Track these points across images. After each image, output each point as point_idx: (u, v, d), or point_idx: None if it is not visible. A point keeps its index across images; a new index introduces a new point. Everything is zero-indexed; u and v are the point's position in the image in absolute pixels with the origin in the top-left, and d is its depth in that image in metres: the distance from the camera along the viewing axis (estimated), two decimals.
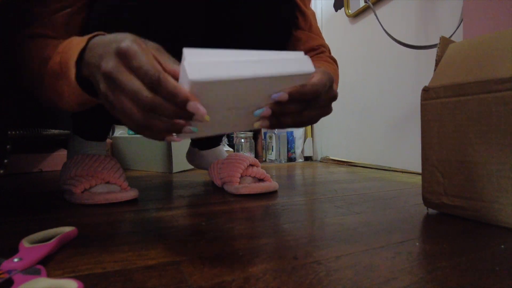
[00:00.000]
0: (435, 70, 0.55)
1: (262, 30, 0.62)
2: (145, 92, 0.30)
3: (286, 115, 0.38)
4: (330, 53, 0.73)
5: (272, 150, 1.68)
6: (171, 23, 0.54)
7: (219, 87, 0.30)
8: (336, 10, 1.61)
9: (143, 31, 0.53)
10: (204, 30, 0.60)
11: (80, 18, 0.51)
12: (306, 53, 0.67)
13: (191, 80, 0.28)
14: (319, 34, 0.72)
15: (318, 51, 0.70)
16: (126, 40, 0.31)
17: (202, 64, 0.29)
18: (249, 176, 0.74)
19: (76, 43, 0.39)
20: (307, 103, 0.38)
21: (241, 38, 0.62)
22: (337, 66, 0.71)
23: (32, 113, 0.46)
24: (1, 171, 0.56)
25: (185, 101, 0.29)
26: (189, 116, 0.31)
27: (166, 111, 0.31)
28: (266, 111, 0.36)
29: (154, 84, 0.30)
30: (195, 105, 0.30)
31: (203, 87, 0.29)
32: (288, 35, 0.66)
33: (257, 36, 0.62)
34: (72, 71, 0.38)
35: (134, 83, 0.31)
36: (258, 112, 0.36)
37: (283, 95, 0.35)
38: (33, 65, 0.45)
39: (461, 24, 0.86)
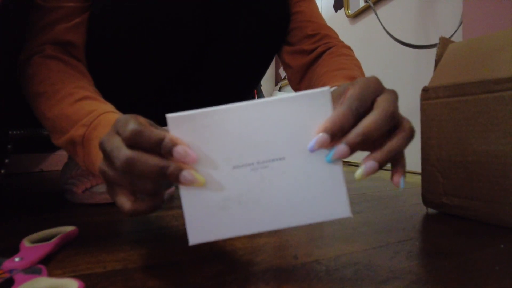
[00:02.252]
0: (434, 70, 0.55)
1: (260, 14, 0.61)
2: (123, 149, 0.25)
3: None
4: (337, 38, 0.65)
5: None
6: (170, 18, 0.54)
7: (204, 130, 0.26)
8: (336, 11, 1.61)
9: (142, 29, 0.54)
10: (204, 26, 0.60)
11: (86, 17, 0.51)
12: (301, 43, 0.63)
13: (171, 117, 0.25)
14: (314, 18, 0.65)
15: (316, 38, 0.63)
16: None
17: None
18: None
19: (103, 131, 0.37)
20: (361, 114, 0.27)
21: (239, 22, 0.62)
22: (352, 52, 0.63)
23: (33, 113, 0.46)
24: (2, 171, 0.56)
25: (171, 146, 0.24)
26: (177, 171, 0.25)
27: (147, 165, 0.25)
28: (339, 150, 0.25)
29: (136, 136, 0.25)
30: (183, 149, 0.24)
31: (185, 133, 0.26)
32: (287, 22, 0.64)
33: (256, 21, 0.62)
34: (97, 164, 0.36)
35: (114, 142, 0.26)
36: (330, 155, 0.26)
37: (320, 138, 0.25)
38: (38, 88, 0.44)
39: (461, 25, 0.86)
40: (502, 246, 0.37)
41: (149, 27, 0.53)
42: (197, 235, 0.27)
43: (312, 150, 0.26)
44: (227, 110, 0.26)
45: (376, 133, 0.25)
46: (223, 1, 0.60)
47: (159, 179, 0.26)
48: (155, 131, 0.25)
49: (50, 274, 0.30)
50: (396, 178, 0.27)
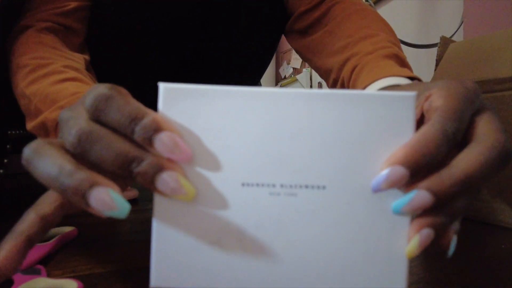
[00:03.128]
0: (435, 70, 0.55)
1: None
2: (80, 120, 0.17)
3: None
4: None
5: None
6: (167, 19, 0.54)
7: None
8: None
9: (141, 28, 0.54)
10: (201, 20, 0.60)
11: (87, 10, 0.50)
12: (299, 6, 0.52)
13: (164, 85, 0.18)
14: None
15: None
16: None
17: None
18: None
19: None
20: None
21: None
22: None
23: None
24: (1, 171, 0.56)
25: (153, 129, 0.16)
26: (153, 169, 0.16)
27: (108, 148, 0.16)
28: (419, 199, 0.16)
29: (102, 103, 0.17)
30: (170, 138, 0.16)
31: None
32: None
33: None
34: None
35: (73, 111, 0.18)
36: (401, 204, 0.16)
37: (395, 171, 0.16)
38: (22, 60, 0.38)
39: (462, 24, 0.86)
40: (503, 246, 0.37)
41: (148, 25, 0.53)
42: (164, 275, 0.17)
43: (377, 190, 0.17)
44: (254, 94, 0.17)
45: (482, 181, 0.16)
46: (222, 1, 0.60)
47: (123, 176, 0.17)
48: (133, 102, 0.17)
49: (49, 275, 0.30)
50: (446, 238, 0.18)
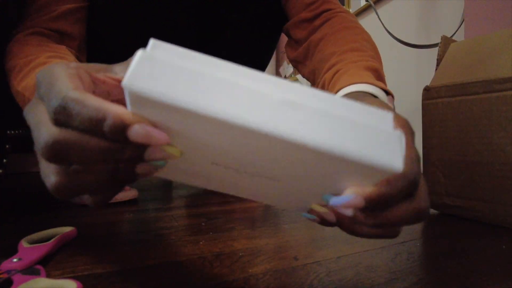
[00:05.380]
0: (436, 69, 0.55)
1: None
2: (44, 128, 0.17)
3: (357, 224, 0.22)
4: (336, 3, 0.55)
5: None
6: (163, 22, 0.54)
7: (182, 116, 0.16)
8: None
9: (135, 33, 0.54)
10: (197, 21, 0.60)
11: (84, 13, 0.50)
12: (301, 14, 0.54)
13: (127, 87, 0.15)
14: None
15: (317, 3, 0.54)
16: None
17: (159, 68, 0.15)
18: None
19: None
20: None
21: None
22: (355, 19, 0.54)
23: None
24: (1, 171, 0.56)
25: (121, 127, 0.16)
26: (136, 156, 0.18)
27: (87, 151, 0.17)
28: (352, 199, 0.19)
29: (62, 112, 0.17)
30: (143, 129, 0.16)
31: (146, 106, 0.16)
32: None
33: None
34: None
35: (36, 113, 0.18)
36: (338, 202, 0.19)
37: (355, 200, 0.18)
38: (12, 62, 0.40)
39: (463, 24, 0.86)
40: (503, 247, 0.37)
41: (145, 28, 0.53)
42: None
43: (334, 206, 0.19)
44: (224, 123, 0.15)
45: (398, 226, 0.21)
46: (216, 6, 0.60)
47: (111, 169, 0.18)
48: (91, 104, 0.16)
49: (49, 275, 0.30)
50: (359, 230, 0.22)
